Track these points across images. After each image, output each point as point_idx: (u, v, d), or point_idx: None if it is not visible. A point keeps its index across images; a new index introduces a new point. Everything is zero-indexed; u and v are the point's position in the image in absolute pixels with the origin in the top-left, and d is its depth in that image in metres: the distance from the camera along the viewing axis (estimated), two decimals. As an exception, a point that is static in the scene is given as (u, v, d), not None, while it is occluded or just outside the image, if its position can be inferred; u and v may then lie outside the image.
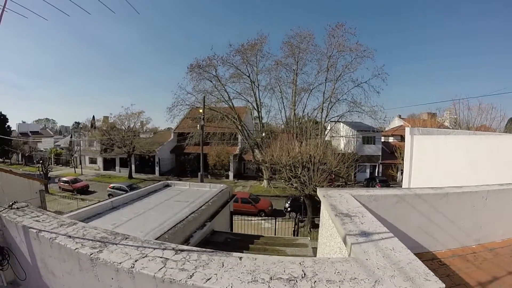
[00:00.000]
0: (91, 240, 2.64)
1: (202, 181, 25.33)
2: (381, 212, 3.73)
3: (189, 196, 10.27)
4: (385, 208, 3.84)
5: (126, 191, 27.48)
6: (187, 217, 7.28)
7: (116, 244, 2.53)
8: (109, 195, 31.56)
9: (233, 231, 11.55)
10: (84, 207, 8.41)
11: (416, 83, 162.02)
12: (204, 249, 2.39)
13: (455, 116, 48.04)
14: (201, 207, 8.28)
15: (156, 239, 5.67)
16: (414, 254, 2.31)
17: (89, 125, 63.22)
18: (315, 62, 41.68)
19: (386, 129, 55.18)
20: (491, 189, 4.42)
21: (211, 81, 39.76)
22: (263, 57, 40.90)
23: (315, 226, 22.80)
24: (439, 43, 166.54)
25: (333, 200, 3.60)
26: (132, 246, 2.44)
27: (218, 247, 7.41)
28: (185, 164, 47.29)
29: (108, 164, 52.48)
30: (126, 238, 2.64)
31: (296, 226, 17.85)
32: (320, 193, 4.02)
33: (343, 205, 3.44)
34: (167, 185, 12.16)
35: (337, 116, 41.57)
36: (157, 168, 47.66)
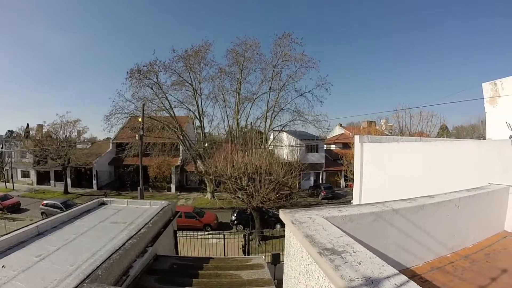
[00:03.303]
0: None
1: (142, 196, 23.97)
2: (357, 233, 3.21)
3: (127, 216, 9.21)
4: (361, 228, 3.34)
5: (61, 209, 25.68)
6: (124, 244, 6.26)
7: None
8: (42, 213, 29.24)
9: (179, 252, 10.60)
10: (5, 234, 7.17)
11: (356, 91, 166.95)
12: None
13: (390, 124, 50.53)
14: (140, 230, 7.25)
15: (87, 277, 4.73)
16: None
17: (23, 134, 58.81)
18: (259, 71, 41.81)
19: (328, 137, 56.31)
20: (462, 196, 4.43)
21: (152, 88, 38.24)
22: (206, 65, 40.26)
23: (265, 238, 22.37)
24: (378, 52, 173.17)
25: (306, 228, 2.87)
26: None
27: (162, 276, 6.55)
28: (125, 176, 44.82)
29: (42, 178, 48.53)
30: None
31: (245, 243, 17.08)
32: (286, 217, 3.30)
33: (321, 234, 2.72)
34: (103, 203, 10.92)
35: (281, 125, 41.90)
36: (94, 182, 44.90)
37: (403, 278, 1.93)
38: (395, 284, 1.84)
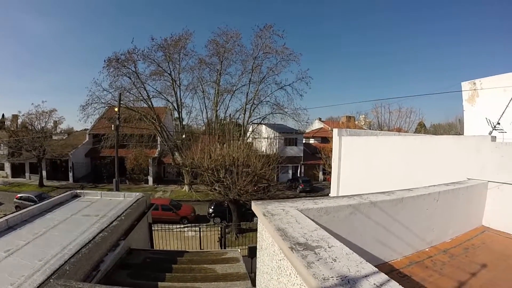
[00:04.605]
0: None
1: (117, 188, 23.41)
2: (334, 227, 3.12)
3: (100, 208, 8.90)
4: (338, 221, 3.24)
5: (35, 202, 24.86)
6: (94, 237, 6.01)
7: None
8: (16, 207, 28.25)
9: (154, 245, 10.35)
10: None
11: (337, 86, 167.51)
12: None
13: (369, 120, 51.20)
14: (112, 222, 7.01)
15: (54, 272, 4.48)
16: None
17: (-2, 125, 56.63)
18: (239, 63, 41.44)
19: (307, 131, 56.63)
20: (441, 190, 4.46)
21: (130, 78, 37.14)
22: (186, 55, 39.48)
23: (242, 231, 22.29)
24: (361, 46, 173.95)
25: (279, 221, 2.71)
26: None
27: (135, 271, 6.34)
28: (101, 168, 43.47)
29: (17, 171, 46.60)
30: None
31: (222, 235, 16.92)
32: (258, 209, 3.14)
33: (294, 228, 2.56)
34: (76, 196, 10.55)
35: (260, 117, 41.74)
36: (70, 174, 43.56)
37: (383, 276, 1.77)
38: (374, 284, 1.68)
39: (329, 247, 2.18)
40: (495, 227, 5.19)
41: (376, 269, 1.84)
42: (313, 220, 2.91)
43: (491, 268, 3.76)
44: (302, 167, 47.02)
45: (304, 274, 1.84)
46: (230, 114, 41.59)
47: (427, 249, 4.25)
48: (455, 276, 3.48)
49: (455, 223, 4.82)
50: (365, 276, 1.75)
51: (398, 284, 1.70)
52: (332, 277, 1.73)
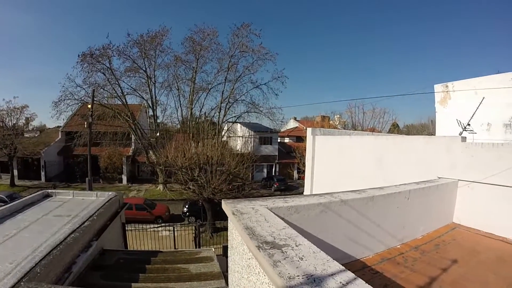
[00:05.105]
0: None
1: (90, 187, 22.86)
2: (304, 225, 3.14)
3: (72, 208, 8.62)
4: (308, 220, 3.24)
5: (7, 202, 24.09)
6: (66, 238, 5.85)
7: None
8: (-14, 207, 27.38)
9: (127, 246, 10.17)
10: None
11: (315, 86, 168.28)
12: None
13: (344, 120, 51.92)
14: (84, 223, 6.84)
15: (25, 275, 4.34)
16: (343, 264, 1.90)
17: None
18: (216, 61, 41.20)
19: (282, 130, 56.94)
20: (412, 188, 4.55)
21: (104, 74, 36.20)
22: (162, 52, 39.04)
23: (217, 230, 22.25)
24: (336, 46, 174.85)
25: (247, 220, 2.69)
26: None
27: (108, 272, 6.22)
28: (74, 167, 42.23)
29: None
30: None
31: (196, 235, 16.83)
32: (227, 208, 3.11)
33: (263, 226, 2.54)
34: (47, 195, 10.22)
35: (235, 116, 41.79)
36: (43, 173, 42.05)
37: (350, 275, 1.77)
38: (340, 282, 1.67)
39: (296, 246, 2.17)
40: (466, 224, 5.33)
41: (343, 267, 1.84)
42: (283, 218, 2.90)
43: (461, 263, 3.85)
44: (277, 165, 47.37)
45: (270, 272, 1.83)
46: (205, 113, 41.39)
47: (398, 246, 4.31)
48: (426, 272, 3.54)
49: (426, 220, 4.92)
50: (332, 275, 1.74)
51: (364, 282, 1.70)
52: (298, 275, 1.72)
